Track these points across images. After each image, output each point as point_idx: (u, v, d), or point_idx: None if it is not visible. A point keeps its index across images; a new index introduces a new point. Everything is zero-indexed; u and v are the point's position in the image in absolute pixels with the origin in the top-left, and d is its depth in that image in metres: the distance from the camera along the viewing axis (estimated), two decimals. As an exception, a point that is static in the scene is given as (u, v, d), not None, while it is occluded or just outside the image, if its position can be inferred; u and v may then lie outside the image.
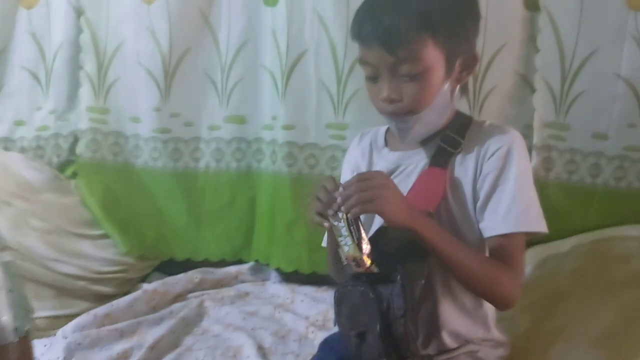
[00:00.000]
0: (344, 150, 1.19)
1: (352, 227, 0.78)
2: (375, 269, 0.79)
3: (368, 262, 0.78)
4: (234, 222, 1.50)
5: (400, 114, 0.86)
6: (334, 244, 0.83)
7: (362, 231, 0.79)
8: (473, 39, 0.89)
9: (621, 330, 0.97)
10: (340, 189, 0.79)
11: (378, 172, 0.87)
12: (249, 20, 1.41)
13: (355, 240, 0.78)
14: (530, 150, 1.28)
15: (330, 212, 0.80)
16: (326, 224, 0.81)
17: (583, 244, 1.25)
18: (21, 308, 0.77)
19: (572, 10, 1.21)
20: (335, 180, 0.81)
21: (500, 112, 1.30)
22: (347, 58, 1.33)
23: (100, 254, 1.44)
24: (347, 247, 0.79)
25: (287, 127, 1.39)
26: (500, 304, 0.86)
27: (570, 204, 1.30)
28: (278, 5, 1.36)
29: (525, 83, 1.29)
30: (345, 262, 0.81)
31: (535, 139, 1.28)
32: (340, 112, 1.37)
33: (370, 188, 0.79)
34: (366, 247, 0.78)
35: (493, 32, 1.23)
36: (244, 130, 1.47)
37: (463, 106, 1.24)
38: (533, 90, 1.28)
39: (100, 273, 1.41)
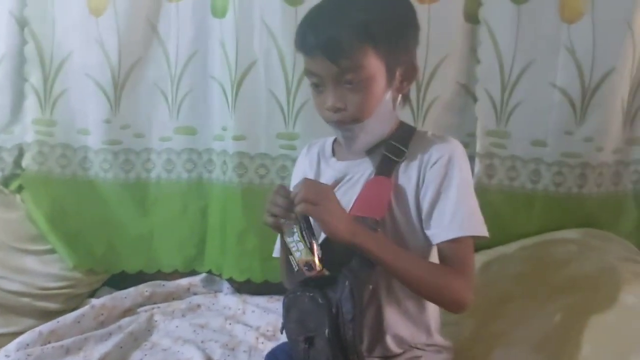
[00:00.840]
0: (294, 160, 1.19)
1: (304, 232, 0.80)
2: (326, 272, 0.81)
3: (320, 265, 0.80)
4: (186, 232, 1.49)
5: (345, 122, 0.88)
6: (286, 253, 0.85)
7: (314, 236, 0.80)
8: (413, 50, 0.92)
9: (560, 335, 1.00)
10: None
11: (325, 184, 0.89)
12: (198, 31, 1.40)
13: (308, 244, 0.80)
14: (473, 157, 1.31)
15: (285, 215, 0.82)
16: (282, 221, 0.82)
17: (526, 248, 1.28)
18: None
19: (509, 23, 1.25)
20: (286, 188, 0.84)
21: (443, 121, 1.33)
22: (296, 68, 1.34)
23: (46, 269, 1.39)
24: (299, 252, 0.80)
25: (238, 138, 1.39)
26: (454, 308, 0.88)
27: (513, 210, 1.33)
28: (226, 16, 1.36)
29: (467, 93, 1.33)
30: (297, 268, 0.82)
31: (478, 147, 1.32)
32: (291, 122, 1.38)
33: (316, 193, 0.81)
34: (318, 251, 0.80)
35: (435, 44, 1.26)
36: (194, 141, 1.45)
37: (407, 116, 1.27)
38: (475, 100, 1.31)
39: (46, 289, 1.37)
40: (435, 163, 0.88)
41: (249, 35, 1.35)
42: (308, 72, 0.89)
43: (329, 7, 0.89)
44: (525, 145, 1.30)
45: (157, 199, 1.47)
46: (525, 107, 1.28)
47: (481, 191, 1.31)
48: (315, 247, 0.80)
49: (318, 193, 0.82)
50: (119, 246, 1.49)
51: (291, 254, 0.82)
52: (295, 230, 0.81)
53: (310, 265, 0.80)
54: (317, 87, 0.89)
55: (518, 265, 1.23)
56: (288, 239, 0.82)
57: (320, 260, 0.80)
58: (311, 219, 0.82)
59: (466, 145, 1.33)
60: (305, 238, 0.80)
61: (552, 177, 1.31)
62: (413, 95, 1.30)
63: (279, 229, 0.85)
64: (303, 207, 0.80)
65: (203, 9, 1.39)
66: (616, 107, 1.25)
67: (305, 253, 0.80)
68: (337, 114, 0.87)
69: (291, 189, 1.01)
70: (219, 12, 1.37)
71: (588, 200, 1.30)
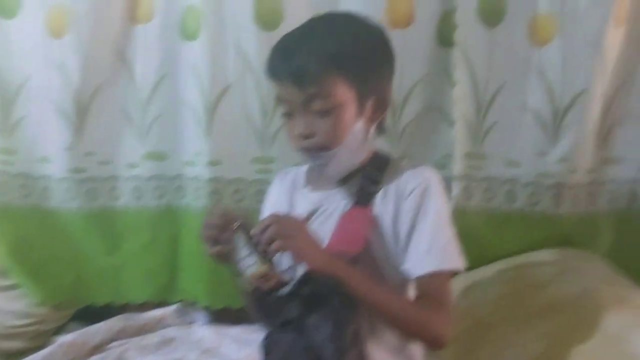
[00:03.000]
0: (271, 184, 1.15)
1: (249, 246, 0.77)
2: (286, 280, 0.78)
3: (277, 274, 0.77)
4: (156, 261, 1.40)
5: (314, 149, 0.86)
6: (239, 280, 0.81)
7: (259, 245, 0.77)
8: (386, 80, 0.90)
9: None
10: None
11: (296, 217, 0.88)
12: (167, 54, 1.33)
13: (259, 254, 0.77)
14: (450, 180, 1.29)
15: (224, 236, 0.80)
16: (224, 248, 0.80)
17: (505, 270, 1.25)
18: None
19: (482, 46, 1.22)
20: (221, 208, 0.84)
21: (419, 144, 1.29)
22: (272, 92, 1.27)
23: (10, 306, 1.31)
24: (252, 267, 0.77)
25: (213, 163, 1.32)
26: (431, 345, 0.86)
27: (490, 231, 1.31)
28: (197, 39, 1.29)
29: (442, 116, 1.30)
30: (252, 288, 0.79)
31: (456, 169, 1.28)
32: (267, 146, 1.32)
33: (289, 227, 0.79)
34: (271, 261, 0.78)
35: (409, 69, 1.23)
36: (164, 167, 1.37)
37: (381, 141, 1.23)
38: (450, 122, 1.29)
39: (10, 328, 1.28)
40: (410, 194, 0.86)
41: (223, 59, 1.29)
42: (279, 99, 0.88)
43: (301, 35, 0.88)
44: (500, 166, 1.28)
45: (125, 228, 1.39)
46: (499, 128, 1.26)
47: (460, 214, 1.28)
48: (267, 257, 0.77)
49: (290, 226, 0.80)
50: (87, 278, 1.40)
51: (241, 275, 0.78)
52: (241, 245, 0.78)
53: (267, 276, 0.77)
54: (288, 113, 0.87)
55: (497, 289, 1.20)
56: (237, 259, 0.79)
57: (274, 270, 0.78)
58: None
59: (443, 166, 1.31)
60: (255, 249, 0.77)
61: (528, 197, 1.28)
62: (388, 119, 1.26)
63: (224, 258, 0.82)
64: (278, 244, 0.77)
65: (172, 31, 1.31)
66: (588, 128, 1.24)
67: (259, 264, 0.77)
68: (306, 141, 0.85)
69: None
70: (189, 35, 1.30)
71: (565, 220, 1.29)
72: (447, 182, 1.29)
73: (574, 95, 1.21)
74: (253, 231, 0.79)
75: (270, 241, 0.77)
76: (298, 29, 0.90)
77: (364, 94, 0.86)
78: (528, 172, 1.27)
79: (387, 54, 0.90)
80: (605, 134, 1.27)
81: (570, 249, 1.28)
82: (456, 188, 1.28)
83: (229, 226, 0.80)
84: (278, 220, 0.79)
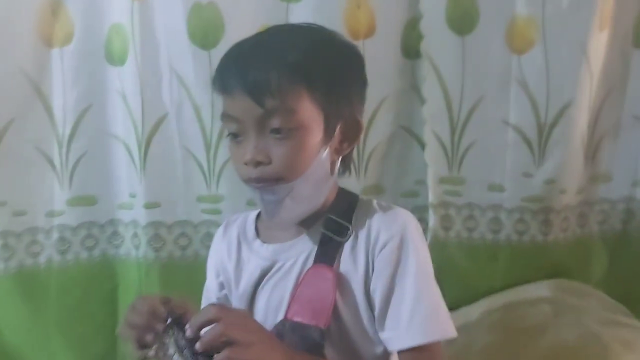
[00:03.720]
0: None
1: (185, 351, 0.60)
2: None
3: None
4: (91, 324, 1.16)
5: (267, 179, 0.68)
6: None
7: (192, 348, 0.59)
8: (357, 105, 0.74)
9: None
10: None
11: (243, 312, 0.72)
12: (91, 82, 1.11)
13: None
14: (426, 208, 1.12)
15: (149, 337, 0.61)
16: (151, 353, 0.61)
17: (492, 311, 1.09)
18: None
19: (454, 56, 1.07)
20: (148, 299, 0.63)
21: (387, 171, 1.12)
22: (215, 120, 1.09)
23: None
24: None
25: (150, 205, 1.11)
26: None
27: (474, 264, 1.14)
28: (126, 63, 1.09)
29: (412, 137, 1.13)
30: None
31: (431, 197, 1.12)
32: (213, 183, 1.11)
33: (242, 328, 0.61)
34: None
35: (373, 85, 1.02)
36: (94, 212, 1.15)
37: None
38: (420, 144, 1.12)
39: None
40: (384, 246, 0.70)
41: (156, 85, 1.08)
42: (226, 117, 0.70)
43: (258, 42, 0.72)
44: (482, 191, 1.12)
45: (49, 289, 1.14)
46: (478, 148, 1.11)
47: (438, 246, 1.12)
48: None
49: (243, 326, 0.61)
50: (8, 353, 1.13)
51: None
52: (172, 350, 0.60)
53: None
54: (236, 136, 0.70)
55: (486, 336, 1.03)
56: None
57: None
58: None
59: (415, 194, 1.14)
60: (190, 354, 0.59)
61: (514, 224, 1.13)
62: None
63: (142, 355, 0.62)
64: (225, 355, 0.57)
65: (96, 55, 1.10)
66: (576, 144, 1.10)
67: None
68: (258, 169, 0.67)
69: (207, 288, 0.85)
70: (116, 59, 1.10)
71: (554, 248, 1.14)
72: (424, 211, 1.13)
73: (560, 108, 1.07)
74: (189, 331, 0.59)
75: (213, 346, 0.58)
76: (254, 36, 0.74)
77: (333, 117, 0.70)
78: (513, 197, 1.12)
79: (359, 74, 0.75)
80: (593, 149, 1.13)
81: (561, 280, 1.14)
82: (433, 218, 1.12)
83: (156, 324, 0.61)
84: (225, 316, 0.60)
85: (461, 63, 1.07)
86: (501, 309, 1.09)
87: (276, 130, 0.66)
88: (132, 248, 1.15)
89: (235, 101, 0.67)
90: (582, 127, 1.09)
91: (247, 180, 0.70)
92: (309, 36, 0.73)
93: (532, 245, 1.13)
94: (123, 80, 1.10)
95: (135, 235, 1.14)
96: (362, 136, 0.76)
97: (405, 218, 0.72)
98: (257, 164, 0.67)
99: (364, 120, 1.05)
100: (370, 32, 1.06)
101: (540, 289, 1.11)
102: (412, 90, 1.11)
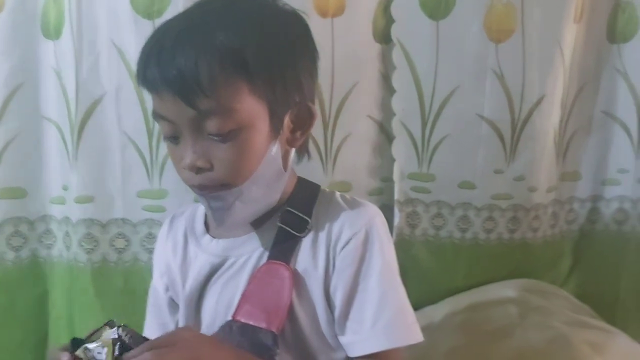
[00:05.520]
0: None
1: None
2: None
3: None
4: (17, 333, 0.98)
5: (211, 187, 0.59)
6: None
7: None
8: (308, 85, 0.64)
9: None
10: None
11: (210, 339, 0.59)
12: (23, 58, 0.93)
13: None
14: (391, 207, 1.01)
15: None
16: None
17: (457, 312, 1.00)
18: None
19: (427, 42, 0.95)
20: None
21: (356, 164, 1.00)
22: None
23: None
24: None
25: (83, 200, 0.93)
26: None
27: (439, 264, 1.05)
28: (61, 36, 0.91)
29: (381, 129, 1.01)
30: None
31: (397, 193, 1.01)
32: (156, 176, 0.95)
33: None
34: None
35: (342, 69, 0.93)
36: (23, 207, 0.96)
37: (315, 162, 0.93)
38: (389, 138, 1.01)
39: None
40: (347, 243, 0.62)
41: (94, 62, 0.91)
42: (157, 117, 0.60)
43: (182, 26, 0.60)
44: (451, 189, 1.02)
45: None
46: (450, 143, 0.99)
47: (403, 244, 1.01)
48: None
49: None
50: None
51: None
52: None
53: None
54: (172, 138, 0.60)
55: (451, 338, 0.95)
56: None
57: None
58: None
59: (380, 192, 1.03)
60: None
61: (482, 223, 1.03)
62: (319, 133, 0.95)
63: None
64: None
65: (30, 27, 0.92)
66: (548, 141, 1.01)
67: None
68: (200, 175, 0.59)
69: (153, 288, 0.75)
70: (51, 32, 0.92)
71: (521, 247, 1.05)
72: (389, 210, 1.02)
73: (534, 102, 0.98)
74: None
75: None
76: (178, 17, 0.63)
77: (279, 107, 0.60)
78: (483, 194, 1.02)
79: (308, 47, 0.64)
80: (565, 146, 1.05)
81: (526, 280, 1.06)
82: (398, 216, 1.01)
83: None
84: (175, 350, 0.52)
85: (435, 50, 0.96)
86: (466, 309, 1.00)
87: (214, 133, 0.57)
88: (64, 249, 0.97)
89: (163, 100, 0.57)
90: (555, 122, 1.01)
91: (190, 187, 0.61)
92: (243, 10, 0.60)
93: (499, 244, 1.04)
94: (58, 56, 0.92)
95: (67, 234, 0.97)
96: (320, 119, 0.65)
97: (371, 212, 0.65)
98: (198, 170, 0.58)
99: (334, 105, 0.94)
100: (338, 11, 0.93)
101: (505, 289, 1.03)
102: (384, 79, 0.98)
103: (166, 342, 0.52)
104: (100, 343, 0.51)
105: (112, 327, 0.53)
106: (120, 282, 0.95)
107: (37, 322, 1.00)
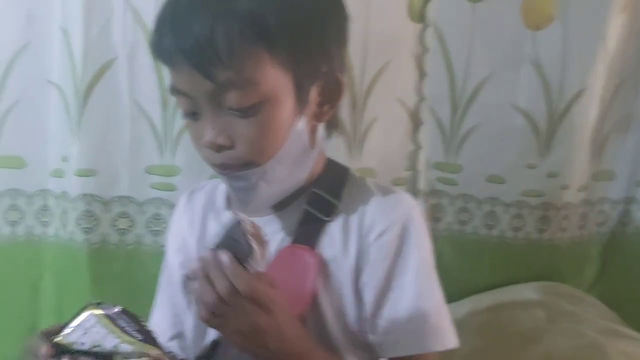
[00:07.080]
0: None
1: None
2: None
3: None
4: (8, 318, 0.88)
5: (233, 166, 0.54)
6: None
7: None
8: (337, 54, 0.57)
9: None
10: None
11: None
12: (30, 17, 0.82)
13: (136, 333, 0.48)
14: (415, 196, 0.93)
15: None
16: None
17: (479, 312, 0.92)
18: None
19: (463, 25, 0.87)
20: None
21: (384, 150, 0.90)
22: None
23: None
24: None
25: (84, 173, 0.83)
26: None
27: (462, 260, 0.97)
28: (70, -8, 0.81)
29: (411, 115, 0.92)
30: None
31: (422, 183, 0.92)
32: (169, 150, 0.85)
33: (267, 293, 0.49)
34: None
35: (375, 46, 0.83)
36: (21, 178, 0.85)
37: (340, 146, 0.84)
38: (418, 124, 0.92)
39: None
40: (381, 235, 0.57)
41: (106, 22, 0.81)
42: (174, 91, 0.55)
43: None
44: (479, 182, 0.93)
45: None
46: (480, 133, 0.91)
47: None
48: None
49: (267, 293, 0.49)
50: None
51: None
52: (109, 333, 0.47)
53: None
54: (192, 114, 0.55)
55: (472, 339, 0.85)
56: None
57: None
58: None
59: (405, 181, 0.94)
60: (127, 331, 0.48)
61: (510, 220, 0.95)
62: (346, 114, 0.85)
63: None
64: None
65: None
66: (585, 136, 0.93)
67: (137, 347, 0.48)
68: (221, 154, 0.54)
69: (167, 265, 0.69)
70: (61, -13, 0.82)
71: (549, 248, 0.97)
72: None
73: (573, 94, 0.90)
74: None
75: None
76: None
77: (304, 77, 0.54)
78: (512, 190, 0.94)
79: (337, 11, 0.57)
80: (601, 143, 0.97)
81: (551, 283, 0.99)
82: (421, 206, 0.92)
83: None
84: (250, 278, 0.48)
85: (470, 34, 0.88)
86: (489, 310, 0.93)
87: (234, 107, 0.52)
88: (61, 227, 0.87)
89: (180, 73, 0.52)
90: (594, 118, 0.93)
91: (212, 166, 0.56)
92: None
93: (526, 243, 0.97)
94: (65, 14, 0.82)
95: (64, 211, 0.86)
96: (348, 94, 0.57)
97: (408, 204, 0.60)
98: (219, 147, 0.53)
99: (364, 85, 0.84)
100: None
101: (529, 291, 0.96)
102: (416, 61, 0.89)
103: (265, 301, 0.49)
104: (78, 323, 0.48)
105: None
106: (120, 266, 0.85)
107: (31, 307, 0.89)
